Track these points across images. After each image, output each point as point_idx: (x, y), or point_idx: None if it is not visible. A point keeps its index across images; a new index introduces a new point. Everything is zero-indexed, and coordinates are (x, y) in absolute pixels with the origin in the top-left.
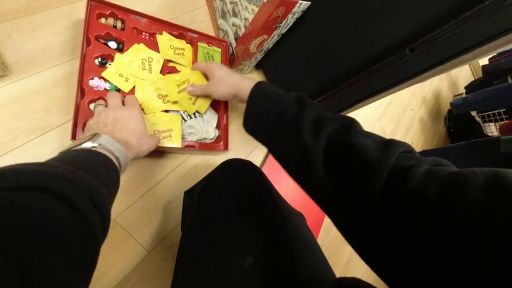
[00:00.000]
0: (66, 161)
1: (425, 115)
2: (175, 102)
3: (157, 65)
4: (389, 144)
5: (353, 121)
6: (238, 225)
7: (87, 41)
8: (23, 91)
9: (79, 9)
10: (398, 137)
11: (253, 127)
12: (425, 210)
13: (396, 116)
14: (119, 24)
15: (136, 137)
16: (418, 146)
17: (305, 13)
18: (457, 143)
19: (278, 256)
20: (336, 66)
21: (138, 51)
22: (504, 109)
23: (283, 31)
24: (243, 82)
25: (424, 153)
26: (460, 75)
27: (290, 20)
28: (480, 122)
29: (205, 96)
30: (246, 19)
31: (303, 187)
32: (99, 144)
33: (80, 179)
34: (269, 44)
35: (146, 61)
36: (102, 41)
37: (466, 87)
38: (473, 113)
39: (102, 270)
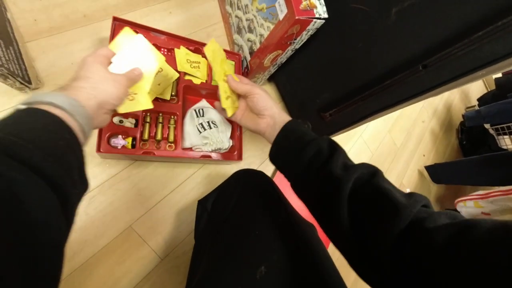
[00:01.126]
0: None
1: (436, 127)
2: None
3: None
4: (413, 195)
5: (378, 170)
6: (250, 235)
7: None
8: None
9: (105, 27)
10: (409, 149)
11: (283, 155)
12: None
13: (406, 128)
14: None
15: (81, 77)
16: (429, 158)
17: (319, 29)
18: (473, 157)
19: (290, 266)
20: (349, 80)
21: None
22: None
23: (297, 46)
24: (283, 111)
25: (439, 167)
26: (472, 87)
27: (304, 36)
28: (494, 134)
29: (242, 95)
30: (261, 35)
31: (322, 223)
32: (28, 103)
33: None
34: (282, 58)
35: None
36: None
37: (478, 99)
38: (487, 126)
39: (116, 276)
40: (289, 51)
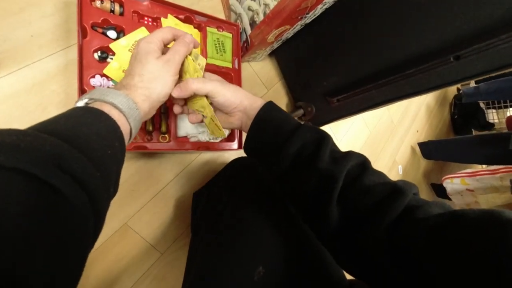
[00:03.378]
0: (39, 126)
1: (432, 101)
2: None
3: None
4: (405, 184)
5: (366, 161)
6: (247, 233)
7: (82, 31)
8: (14, 87)
9: None
10: (404, 125)
11: (260, 150)
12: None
13: (404, 104)
14: (117, 8)
15: (136, 74)
16: (422, 134)
17: (336, 2)
18: (465, 136)
19: (290, 264)
20: (364, 65)
21: (138, 34)
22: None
23: (308, 21)
24: (256, 98)
25: (432, 144)
26: None
27: (318, 10)
28: (484, 108)
29: (200, 97)
30: (266, 4)
31: (307, 219)
32: (90, 99)
33: (40, 145)
34: (289, 34)
35: None
36: (100, 30)
37: None
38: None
39: (115, 273)
40: (298, 26)
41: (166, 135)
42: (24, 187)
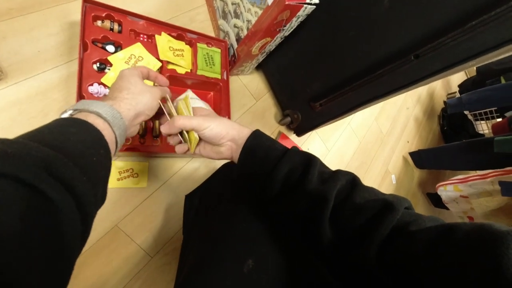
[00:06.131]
0: (24, 136)
1: (420, 113)
2: None
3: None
4: (396, 198)
5: (355, 178)
6: (238, 227)
7: (83, 46)
8: (19, 95)
9: (74, 9)
10: (394, 136)
11: (250, 178)
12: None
13: (392, 115)
14: (116, 27)
15: (123, 88)
16: (413, 144)
17: (309, 16)
18: (453, 143)
19: (281, 258)
20: (340, 70)
21: (134, 49)
22: (495, 108)
23: (286, 33)
24: (242, 127)
25: (422, 153)
26: (453, 74)
27: (294, 23)
28: (472, 120)
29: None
30: (248, 21)
31: (303, 238)
32: (75, 110)
33: (27, 152)
34: (271, 46)
35: (142, 58)
36: (100, 45)
37: (459, 86)
38: (466, 112)
39: (105, 277)
40: (278, 39)
41: (158, 138)
42: (13, 192)
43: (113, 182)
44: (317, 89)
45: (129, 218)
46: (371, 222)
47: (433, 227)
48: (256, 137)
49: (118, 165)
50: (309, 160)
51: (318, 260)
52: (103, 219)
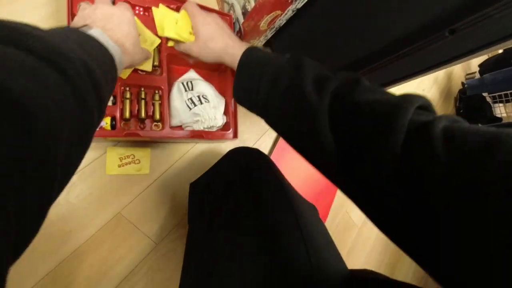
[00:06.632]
0: (53, 33)
1: (436, 95)
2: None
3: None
4: (405, 97)
5: (358, 79)
6: (247, 222)
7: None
8: None
9: None
10: None
11: (245, 97)
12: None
13: None
14: None
15: (131, 42)
16: None
17: None
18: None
19: (291, 253)
20: (359, 47)
21: None
22: None
23: (299, 5)
24: (227, 50)
25: None
26: None
27: None
28: (491, 102)
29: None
30: None
31: (309, 158)
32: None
33: (71, 50)
34: (281, 20)
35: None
36: None
37: (480, 65)
38: (484, 94)
39: (109, 263)
40: (289, 11)
41: (159, 123)
42: (57, 80)
43: (114, 169)
44: (332, 69)
45: (132, 206)
46: (375, 127)
47: (470, 139)
48: (251, 51)
49: (118, 151)
50: (300, 62)
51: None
52: (106, 207)
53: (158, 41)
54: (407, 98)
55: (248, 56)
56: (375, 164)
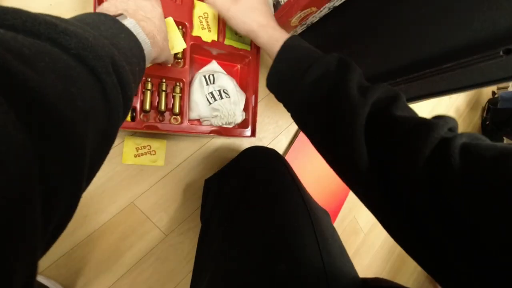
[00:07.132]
0: (85, 23)
1: (463, 104)
2: None
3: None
4: (438, 118)
5: (399, 94)
6: (265, 233)
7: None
8: None
9: None
10: None
11: (280, 85)
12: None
13: (432, 103)
14: None
15: (162, 36)
16: None
17: None
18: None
19: (306, 260)
20: (396, 56)
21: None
22: None
23: (337, 3)
24: (267, 29)
25: None
26: None
27: None
28: None
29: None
30: None
31: (335, 157)
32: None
33: (101, 46)
34: (315, 17)
35: None
36: None
37: None
38: None
39: (120, 250)
40: (325, 9)
41: (178, 116)
42: (86, 76)
43: (130, 158)
44: (364, 75)
45: (145, 196)
46: (409, 137)
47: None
48: (295, 39)
49: (136, 141)
50: (349, 65)
51: (359, 183)
52: (120, 195)
53: (183, 46)
54: (443, 117)
55: (295, 41)
56: (407, 172)
